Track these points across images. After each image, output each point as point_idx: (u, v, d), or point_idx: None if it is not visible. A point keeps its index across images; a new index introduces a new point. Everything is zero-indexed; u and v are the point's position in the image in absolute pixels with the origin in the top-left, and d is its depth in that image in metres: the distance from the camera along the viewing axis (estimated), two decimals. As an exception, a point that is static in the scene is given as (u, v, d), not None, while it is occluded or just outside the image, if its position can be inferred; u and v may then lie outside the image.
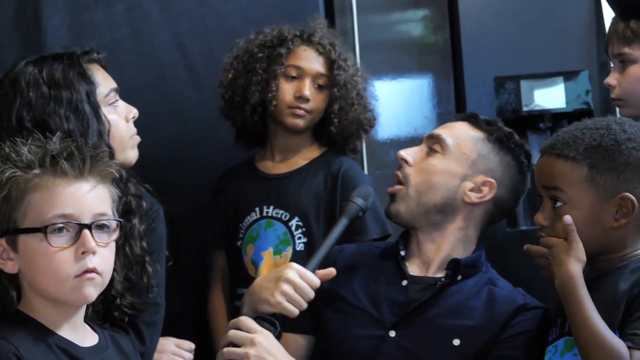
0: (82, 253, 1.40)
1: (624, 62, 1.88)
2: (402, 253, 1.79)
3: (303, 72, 2.11)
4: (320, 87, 2.11)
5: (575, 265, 1.53)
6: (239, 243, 2.17)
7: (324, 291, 1.78)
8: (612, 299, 1.55)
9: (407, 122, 2.60)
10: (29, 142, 1.55)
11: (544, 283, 1.75)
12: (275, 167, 2.20)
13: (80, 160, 1.45)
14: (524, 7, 2.43)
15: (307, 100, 2.09)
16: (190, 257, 2.24)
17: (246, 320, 1.62)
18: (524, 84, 2.41)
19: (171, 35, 2.34)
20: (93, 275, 1.42)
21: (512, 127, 2.26)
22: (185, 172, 2.28)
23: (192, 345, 2.00)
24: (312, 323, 1.80)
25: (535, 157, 2.26)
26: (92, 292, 1.44)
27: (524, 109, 2.41)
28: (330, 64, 2.12)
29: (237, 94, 2.15)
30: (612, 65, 1.98)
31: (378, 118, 2.34)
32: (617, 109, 2.15)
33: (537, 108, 2.41)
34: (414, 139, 2.51)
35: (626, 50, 1.87)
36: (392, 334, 1.70)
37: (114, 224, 1.47)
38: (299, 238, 2.17)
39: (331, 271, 1.68)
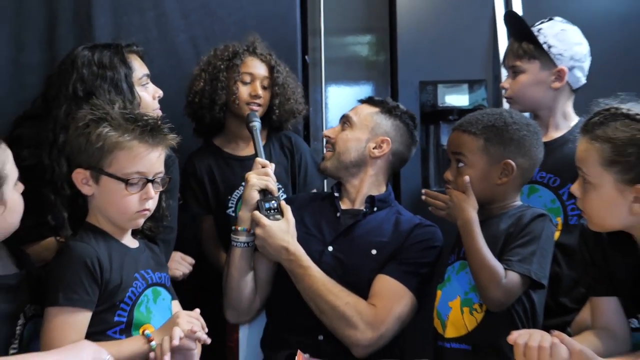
0: (144, 198, 1.55)
1: (515, 72, 1.97)
2: (336, 194, 1.96)
3: (254, 77, 2.17)
4: (264, 88, 2.17)
5: (472, 211, 1.67)
6: (229, 211, 2.20)
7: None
8: (495, 235, 1.68)
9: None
10: (117, 107, 1.64)
11: (447, 225, 1.89)
12: (242, 150, 2.24)
13: (159, 134, 1.57)
14: (441, 32, 2.48)
15: (259, 97, 2.16)
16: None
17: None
18: (440, 87, 2.50)
19: (188, 37, 2.40)
20: (147, 212, 1.58)
21: (429, 119, 2.51)
22: (187, 133, 2.15)
23: (192, 261, 2.09)
24: None
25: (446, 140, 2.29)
26: (140, 222, 1.60)
27: (439, 106, 2.51)
28: (271, 69, 2.19)
29: (205, 97, 2.17)
30: (506, 73, 2.06)
31: (327, 113, 2.53)
32: (507, 106, 2.16)
33: (448, 105, 2.51)
34: None
35: (518, 63, 1.96)
36: (330, 248, 1.87)
37: (165, 179, 1.62)
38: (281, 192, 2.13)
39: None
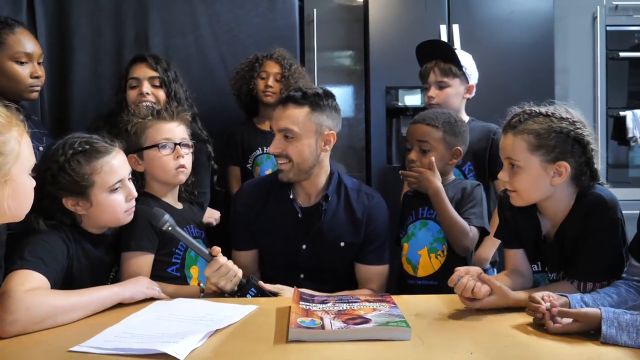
0: (177, 157, 1.59)
1: (442, 86, 1.98)
2: (291, 196, 1.68)
3: (267, 73, 2.24)
4: (277, 81, 2.24)
5: (438, 182, 1.68)
6: (248, 166, 2.28)
7: (253, 230, 1.71)
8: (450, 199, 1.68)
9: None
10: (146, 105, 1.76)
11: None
12: (266, 126, 2.25)
13: (171, 111, 1.64)
14: (401, 50, 2.44)
15: (271, 87, 2.23)
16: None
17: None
18: (400, 91, 2.59)
19: (218, 53, 2.48)
20: (183, 169, 1.61)
21: (393, 114, 2.57)
22: (218, 124, 2.27)
23: (219, 213, 2.09)
24: (254, 242, 1.73)
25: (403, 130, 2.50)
26: (183, 178, 1.63)
27: (400, 105, 2.60)
28: (282, 67, 2.24)
29: (235, 89, 2.30)
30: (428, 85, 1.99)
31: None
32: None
33: (406, 104, 2.60)
34: (342, 119, 2.69)
35: (445, 79, 1.97)
36: (304, 246, 1.68)
37: (190, 143, 1.66)
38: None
39: (216, 248, 1.44)
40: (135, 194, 1.45)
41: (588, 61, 2.78)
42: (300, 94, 1.64)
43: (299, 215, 1.68)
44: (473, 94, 2.06)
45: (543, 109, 1.35)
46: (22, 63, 1.74)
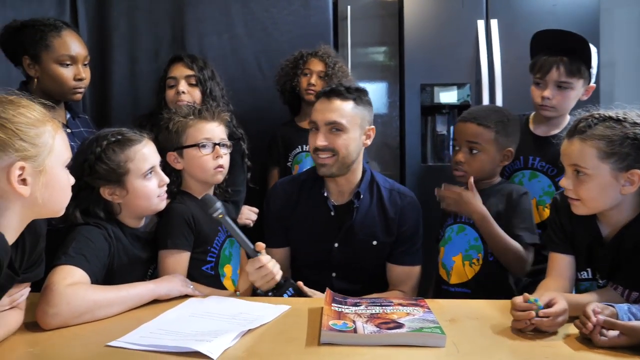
0: (216, 157, 1.61)
1: (562, 87, 1.74)
2: (325, 194, 1.68)
3: (311, 71, 2.22)
4: (320, 77, 2.21)
5: (480, 203, 1.58)
6: (288, 164, 2.28)
7: (287, 227, 1.70)
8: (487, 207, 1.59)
9: (373, 106, 2.47)
10: (186, 104, 1.77)
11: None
12: (303, 123, 2.26)
13: (212, 111, 1.65)
14: (436, 47, 2.49)
15: (314, 85, 2.20)
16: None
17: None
18: (435, 88, 2.53)
19: (252, 52, 2.48)
20: (221, 169, 1.62)
21: (427, 112, 2.53)
22: (252, 122, 2.26)
23: (257, 210, 2.07)
24: (287, 240, 1.72)
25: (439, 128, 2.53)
26: (220, 178, 1.64)
27: (435, 102, 2.54)
28: (326, 66, 2.21)
29: (279, 85, 2.29)
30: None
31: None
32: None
33: (441, 102, 2.55)
34: (376, 116, 2.53)
35: (569, 80, 1.72)
36: (336, 245, 1.67)
37: (228, 143, 1.66)
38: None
39: (261, 245, 1.45)
40: (167, 180, 1.48)
41: (636, 55, 2.66)
42: (344, 88, 1.63)
43: (332, 213, 1.67)
44: (589, 96, 1.81)
45: (612, 113, 1.25)
46: (66, 65, 1.76)
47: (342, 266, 1.65)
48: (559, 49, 1.72)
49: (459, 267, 1.66)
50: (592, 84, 1.78)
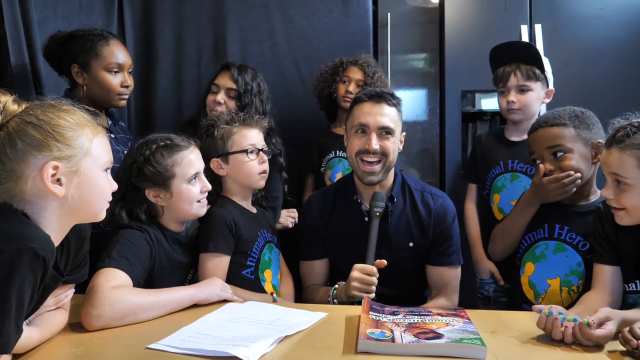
0: (261, 163, 1.64)
1: (523, 90, 1.91)
2: (358, 200, 1.69)
3: (350, 79, 2.22)
4: (358, 86, 2.20)
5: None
6: (322, 169, 2.30)
7: (324, 238, 1.71)
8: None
9: (412, 113, 2.61)
10: (226, 111, 1.77)
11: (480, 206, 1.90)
12: (342, 130, 2.16)
13: (253, 118, 1.67)
14: (478, 53, 2.29)
15: (351, 93, 2.18)
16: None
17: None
18: (477, 95, 2.51)
19: (292, 59, 2.49)
20: (264, 174, 1.66)
21: (469, 119, 2.48)
22: (291, 129, 2.27)
23: (296, 211, 2.08)
24: (324, 251, 1.72)
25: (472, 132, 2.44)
26: (263, 183, 1.66)
27: (476, 109, 2.52)
28: (365, 75, 2.21)
29: (319, 90, 2.29)
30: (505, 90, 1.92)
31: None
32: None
33: (482, 108, 2.52)
34: (416, 123, 2.63)
35: (528, 83, 1.89)
36: None
37: (269, 150, 1.69)
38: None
39: (382, 262, 1.48)
40: (210, 187, 1.50)
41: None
42: (389, 94, 1.66)
43: (366, 219, 1.65)
44: (551, 99, 1.98)
45: None
46: (114, 72, 1.84)
47: (380, 271, 1.58)
48: (513, 59, 1.92)
49: (555, 292, 1.52)
50: (551, 87, 1.95)
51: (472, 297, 2.00)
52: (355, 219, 1.67)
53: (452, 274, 1.68)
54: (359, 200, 1.69)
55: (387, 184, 1.69)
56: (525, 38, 2.45)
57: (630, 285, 1.34)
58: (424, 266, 1.69)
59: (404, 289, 1.64)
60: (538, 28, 2.42)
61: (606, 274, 1.35)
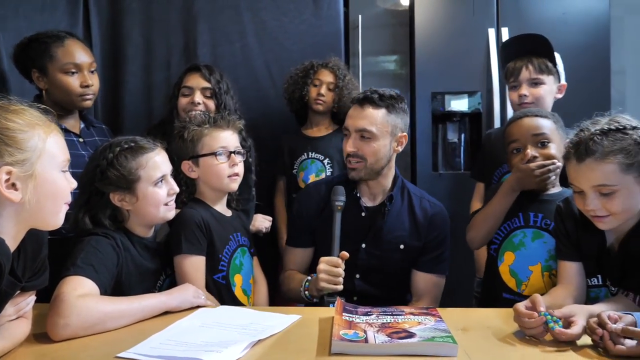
0: (232, 165, 1.60)
1: (536, 83, 1.83)
2: (358, 195, 1.69)
3: (321, 82, 2.24)
4: (329, 90, 2.24)
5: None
6: (294, 171, 2.29)
7: (315, 226, 1.70)
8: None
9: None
10: (200, 112, 1.73)
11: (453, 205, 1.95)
12: (313, 132, 2.32)
13: (225, 120, 1.63)
14: (447, 55, 2.49)
15: (323, 96, 2.23)
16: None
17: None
18: (446, 96, 2.53)
19: (263, 61, 2.49)
20: (236, 177, 1.60)
21: (439, 120, 2.50)
22: (262, 131, 2.31)
23: (271, 218, 2.15)
24: (311, 241, 1.72)
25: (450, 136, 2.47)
26: (235, 186, 1.63)
27: (446, 110, 2.53)
28: (336, 77, 2.24)
29: (290, 93, 2.30)
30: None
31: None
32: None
33: (452, 109, 2.54)
34: None
35: (540, 76, 1.82)
36: (363, 245, 1.66)
37: (242, 151, 1.65)
38: (328, 164, 2.26)
39: (345, 254, 1.48)
40: (177, 189, 1.48)
41: (646, 61, 2.61)
42: (377, 96, 1.63)
43: (363, 214, 1.67)
44: (563, 94, 1.91)
45: (604, 125, 1.24)
46: (72, 73, 1.78)
47: (366, 268, 1.64)
48: (525, 52, 1.85)
49: (537, 278, 1.54)
50: (563, 82, 1.88)
51: (469, 297, 2.03)
52: (352, 212, 1.66)
53: (437, 283, 1.68)
54: (358, 195, 1.69)
55: (384, 183, 1.70)
56: (492, 41, 2.50)
57: (592, 279, 1.37)
58: (410, 271, 1.69)
59: (387, 290, 1.65)
60: (505, 31, 2.47)
61: (570, 270, 1.38)
